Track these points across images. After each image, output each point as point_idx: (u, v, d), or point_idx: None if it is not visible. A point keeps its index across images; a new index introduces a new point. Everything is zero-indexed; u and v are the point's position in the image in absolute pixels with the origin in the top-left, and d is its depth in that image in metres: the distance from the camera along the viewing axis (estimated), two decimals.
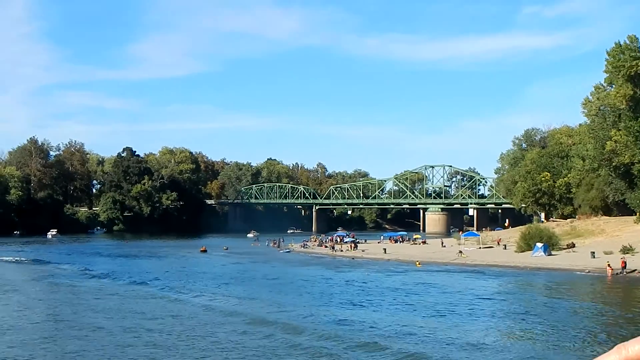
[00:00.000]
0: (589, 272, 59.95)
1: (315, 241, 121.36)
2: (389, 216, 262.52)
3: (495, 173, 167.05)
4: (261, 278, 58.65)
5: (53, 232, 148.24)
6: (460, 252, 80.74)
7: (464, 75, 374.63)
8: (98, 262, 77.63)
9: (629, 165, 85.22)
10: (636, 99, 78.38)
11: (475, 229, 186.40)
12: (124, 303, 40.46)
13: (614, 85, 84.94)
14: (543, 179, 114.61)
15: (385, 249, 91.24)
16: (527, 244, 76.60)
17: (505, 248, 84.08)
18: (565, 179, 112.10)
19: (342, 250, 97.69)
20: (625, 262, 58.33)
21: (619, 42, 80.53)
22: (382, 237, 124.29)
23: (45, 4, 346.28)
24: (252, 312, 37.38)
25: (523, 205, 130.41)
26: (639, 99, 77.68)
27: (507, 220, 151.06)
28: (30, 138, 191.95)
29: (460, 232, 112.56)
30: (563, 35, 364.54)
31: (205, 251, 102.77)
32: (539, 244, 71.91)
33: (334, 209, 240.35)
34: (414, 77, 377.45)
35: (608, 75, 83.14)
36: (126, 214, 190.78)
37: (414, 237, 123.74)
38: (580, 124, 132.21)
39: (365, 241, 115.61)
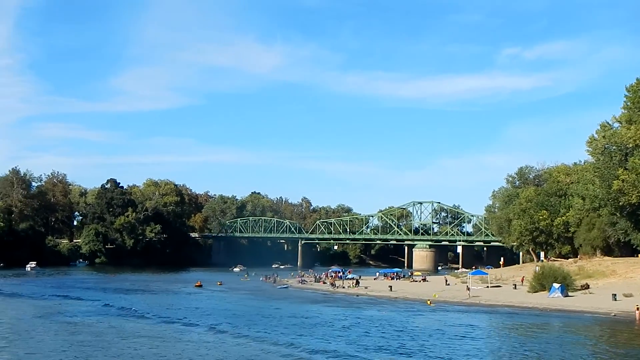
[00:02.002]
0: (615, 315, 58.15)
1: (309, 277, 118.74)
2: (372, 252, 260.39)
3: (486, 211, 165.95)
4: (285, 317, 55.59)
5: (32, 264, 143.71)
6: (468, 288, 78.68)
7: (444, 114, 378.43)
8: (98, 297, 74.43)
9: (636, 205, 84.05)
10: None
11: (460, 266, 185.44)
12: (163, 346, 37.21)
13: (621, 124, 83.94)
14: (541, 217, 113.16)
15: (390, 287, 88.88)
16: (540, 284, 74.70)
17: (515, 287, 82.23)
18: (563, 217, 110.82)
19: (343, 287, 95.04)
20: None
21: (639, 79, 79.97)
22: (377, 273, 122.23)
23: (27, 36, 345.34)
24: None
25: (514, 244, 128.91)
26: None
27: (501, 259, 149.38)
28: (12, 168, 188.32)
29: (457, 269, 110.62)
30: (542, 76, 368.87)
31: (200, 286, 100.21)
32: (556, 285, 69.90)
33: (318, 243, 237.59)
34: (395, 115, 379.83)
35: (626, 111, 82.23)
36: (108, 246, 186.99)
37: (414, 274, 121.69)
38: (574, 163, 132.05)
39: (360, 277, 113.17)
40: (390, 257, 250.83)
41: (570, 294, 70.50)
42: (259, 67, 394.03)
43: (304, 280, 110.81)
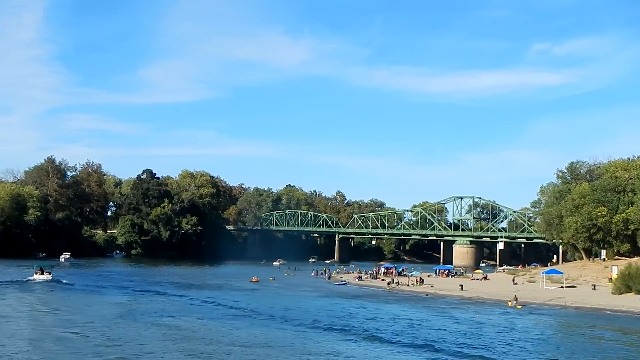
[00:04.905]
0: None
1: (363, 273, 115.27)
2: (406, 247, 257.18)
3: (532, 206, 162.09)
4: (399, 319, 52.24)
5: (66, 255, 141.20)
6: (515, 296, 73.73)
7: (469, 109, 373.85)
8: (165, 291, 72.25)
9: None
10: None
11: (498, 263, 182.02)
12: None
13: None
14: (599, 213, 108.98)
15: (461, 286, 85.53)
16: (626, 285, 71.44)
17: (594, 288, 78.83)
18: (623, 214, 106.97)
19: (407, 285, 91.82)
20: None
21: None
22: (435, 269, 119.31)
23: (56, 28, 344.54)
24: None
25: (562, 241, 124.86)
26: None
27: (554, 257, 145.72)
28: (48, 157, 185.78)
29: (528, 267, 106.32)
30: (570, 73, 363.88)
31: (257, 281, 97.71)
32: None
33: (353, 238, 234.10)
34: (421, 110, 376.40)
35: None
36: (144, 237, 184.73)
37: (475, 271, 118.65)
38: (629, 158, 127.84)
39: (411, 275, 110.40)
40: (425, 252, 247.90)
41: None
42: (286, 60, 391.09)
43: (361, 277, 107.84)
